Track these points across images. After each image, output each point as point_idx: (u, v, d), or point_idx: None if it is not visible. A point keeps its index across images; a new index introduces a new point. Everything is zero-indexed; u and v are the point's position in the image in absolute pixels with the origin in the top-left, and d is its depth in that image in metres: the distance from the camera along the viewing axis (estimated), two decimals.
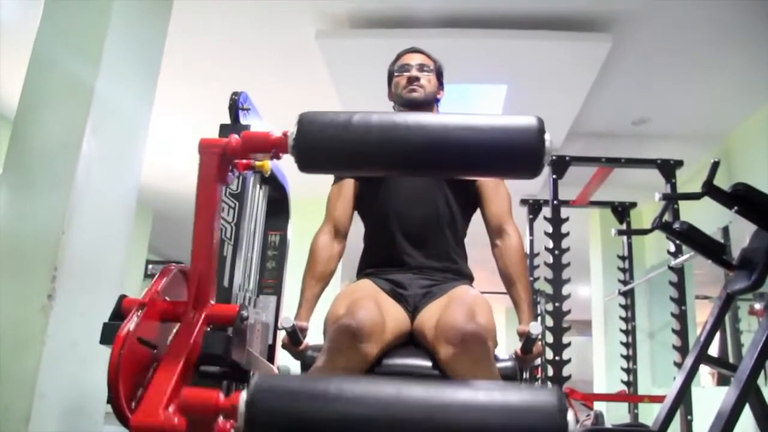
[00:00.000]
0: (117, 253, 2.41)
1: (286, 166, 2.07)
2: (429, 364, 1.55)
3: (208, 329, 1.21)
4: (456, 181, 1.90)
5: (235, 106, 1.73)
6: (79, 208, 2.15)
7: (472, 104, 4.45)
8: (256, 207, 2.02)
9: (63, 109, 2.27)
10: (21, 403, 1.94)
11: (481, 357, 1.42)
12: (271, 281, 2.20)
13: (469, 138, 1.14)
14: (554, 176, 4.59)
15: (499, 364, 1.55)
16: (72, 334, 2.08)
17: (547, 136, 1.10)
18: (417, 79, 1.92)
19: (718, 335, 3.43)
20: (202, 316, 1.22)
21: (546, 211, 4.78)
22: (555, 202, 4.55)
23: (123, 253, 2.45)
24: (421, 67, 1.95)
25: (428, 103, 1.95)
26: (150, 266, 7.66)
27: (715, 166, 2.70)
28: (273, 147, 1.16)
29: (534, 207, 5.42)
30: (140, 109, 2.60)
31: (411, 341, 1.68)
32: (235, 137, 1.18)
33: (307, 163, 1.18)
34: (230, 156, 1.19)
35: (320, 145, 1.15)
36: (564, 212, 4.63)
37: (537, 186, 5.63)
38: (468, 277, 1.89)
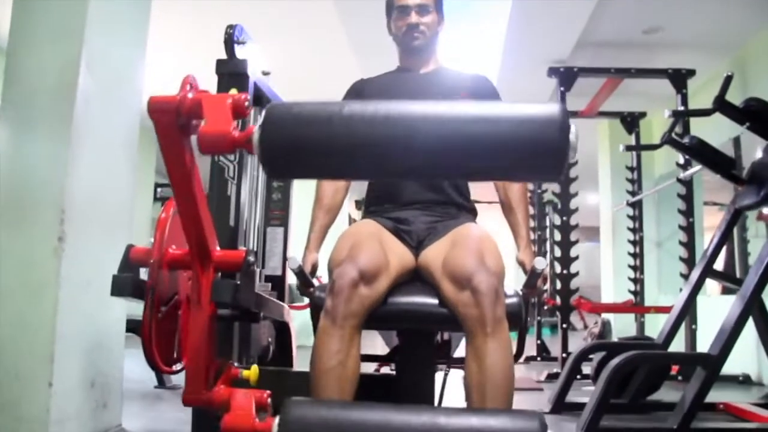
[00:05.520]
0: (123, 190, 2.41)
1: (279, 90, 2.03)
2: (435, 301, 1.55)
3: (217, 277, 1.21)
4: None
5: (231, 40, 1.67)
6: (80, 146, 2.12)
7: (476, 19, 4.30)
8: None
9: (55, 46, 2.19)
10: (43, 346, 1.97)
11: (490, 302, 1.41)
12: (277, 212, 2.19)
13: (475, 135, 0.92)
14: (561, 88, 4.51)
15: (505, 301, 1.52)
16: (85, 274, 2.10)
17: (573, 129, 0.93)
18: (417, 26, 1.89)
19: (725, 247, 3.45)
20: (209, 268, 1.22)
21: None
22: None
23: (129, 190, 2.45)
24: (420, 9, 1.89)
25: (430, 45, 1.96)
26: (159, 189, 7.65)
27: (728, 80, 2.62)
28: (235, 147, 0.96)
29: None
30: (135, 43, 2.53)
31: (416, 277, 1.68)
32: (188, 96, 0.96)
33: (278, 169, 1.00)
34: (185, 117, 0.98)
35: (294, 145, 0.94)
36: (572, 123, 4.55)
37: (544, 99, 5.52)
38: (471, 212, 1.89)
